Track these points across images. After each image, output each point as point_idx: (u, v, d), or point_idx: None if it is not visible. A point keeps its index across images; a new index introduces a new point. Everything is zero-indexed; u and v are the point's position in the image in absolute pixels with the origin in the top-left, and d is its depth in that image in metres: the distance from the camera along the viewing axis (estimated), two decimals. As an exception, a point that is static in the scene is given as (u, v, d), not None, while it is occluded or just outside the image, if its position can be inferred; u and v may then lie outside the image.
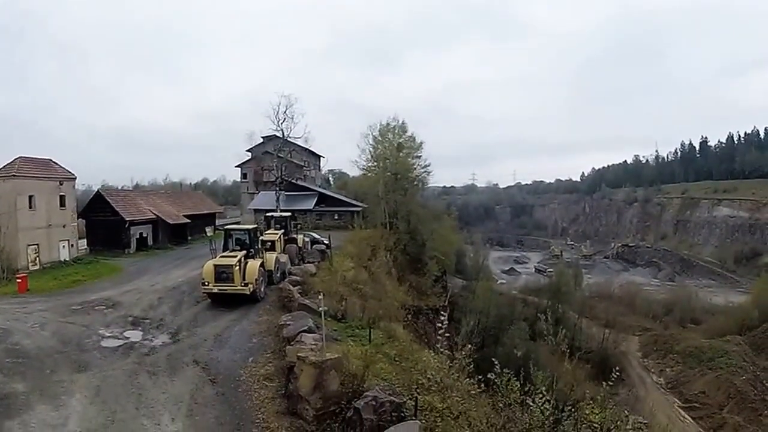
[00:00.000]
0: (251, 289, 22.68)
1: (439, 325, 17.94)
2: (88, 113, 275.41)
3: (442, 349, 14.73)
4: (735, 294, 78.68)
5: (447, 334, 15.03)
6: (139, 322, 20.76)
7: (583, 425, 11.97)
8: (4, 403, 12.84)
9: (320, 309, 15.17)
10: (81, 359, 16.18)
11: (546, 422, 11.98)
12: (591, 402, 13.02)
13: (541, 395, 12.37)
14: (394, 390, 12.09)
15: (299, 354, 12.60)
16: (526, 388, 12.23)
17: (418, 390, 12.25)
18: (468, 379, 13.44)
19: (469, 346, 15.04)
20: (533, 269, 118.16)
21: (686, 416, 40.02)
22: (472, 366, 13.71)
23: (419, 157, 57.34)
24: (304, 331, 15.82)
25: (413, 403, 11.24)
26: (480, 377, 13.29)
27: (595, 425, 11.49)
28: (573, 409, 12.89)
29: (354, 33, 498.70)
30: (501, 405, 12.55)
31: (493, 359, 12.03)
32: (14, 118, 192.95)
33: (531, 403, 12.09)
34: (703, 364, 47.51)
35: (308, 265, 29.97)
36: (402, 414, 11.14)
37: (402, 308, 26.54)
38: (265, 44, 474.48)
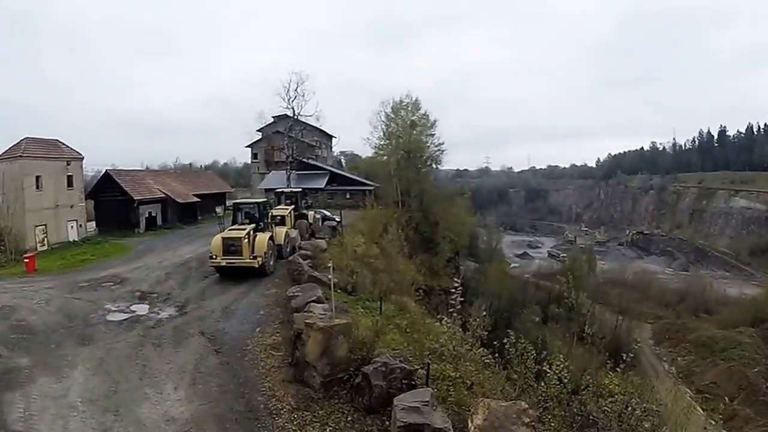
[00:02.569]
0: (260, 263, 22.54)
1: (452, 302, 17.54)
2: (98, 98, 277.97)
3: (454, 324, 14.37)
4: (749, 286, 77.35)
5: (460, 316, 14.56)
6: (146, 296, 20.77)
7: (604, 395, 11.64)
8: (7, 377, 12.82)
9: (329, 279, 14.86)
10: (86, 333, 16.12)
11: (564, 390, 11.65)
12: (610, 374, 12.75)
13: (559, 362, 12.04)
14: (405, 357, 11.75)
15: (307, 321, 12.30)
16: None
17: (430, 357, 11.91)
18: (482, 349, 13.16)
19: (484, 314, 14.70)
20: (546, 254, 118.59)
21: (698, 408, 40.00)
22: (486, 336, 13.42)
23: (433, 135, 56.84)
24: (313, 301, 15.51)
25: (425, 371, 10.87)
26: (493, 350, 13.04)
27: (617, 395, 11.16)
28: (591, 379, 12.60)
29: (367, 14, 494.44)
30: (515, 375, 12.31)
31: (508, 330, 12.31)
32: (24, 104, 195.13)
33: (548, 371, 11.77)
34: (715, 354, 47.52)
35: (319, 240, 29.72)
36: (413, 382, 10.80)
37: (413, 285, 26.18)
38: (275, 27, 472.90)
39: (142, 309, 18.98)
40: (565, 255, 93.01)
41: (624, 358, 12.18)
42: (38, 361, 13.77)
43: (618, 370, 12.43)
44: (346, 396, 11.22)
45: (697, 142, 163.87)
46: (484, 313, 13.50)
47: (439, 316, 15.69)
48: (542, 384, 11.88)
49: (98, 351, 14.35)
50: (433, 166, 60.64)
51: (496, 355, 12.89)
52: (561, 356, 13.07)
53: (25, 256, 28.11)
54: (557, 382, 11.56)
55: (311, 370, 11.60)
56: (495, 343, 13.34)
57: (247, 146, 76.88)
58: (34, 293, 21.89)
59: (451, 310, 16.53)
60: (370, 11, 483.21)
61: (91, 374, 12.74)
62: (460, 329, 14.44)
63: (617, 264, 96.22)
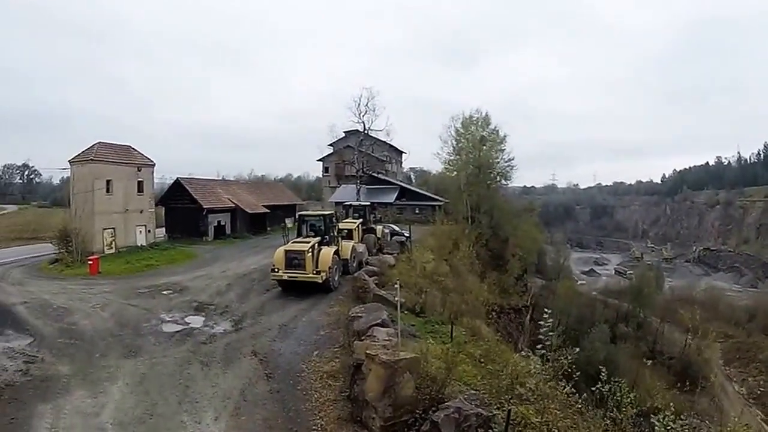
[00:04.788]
0: (323, 278, 21.41)
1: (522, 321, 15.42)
2: (177, 111, 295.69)
3: (526, 348, 12.35)
4: (822, 303, 72.75)
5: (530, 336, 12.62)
6: (204, 307, 20.13)
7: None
8: (44, 385, 12.40)
9: (396, 300, 13.27)
10: (134, 344, 15.52)
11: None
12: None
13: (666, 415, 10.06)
14: (481, 399, 10.00)
15: (368, 351, 10.72)
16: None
17: (509, 399, 10.01)
18: (567, 387, 11.17)
19: (571, 348, 12.71)
20: (613, 271, 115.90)
21: None
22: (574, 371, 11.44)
23: (502, 150, 55.45)
24: (378, 324, 13.99)
25: (504, 417, 9.11)
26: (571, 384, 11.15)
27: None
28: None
29: (433, 32, 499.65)
30: (609, 422, 10.69)
31: (601, 367, 11.03)
32: (103, 114, 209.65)
33: (657, 423, 9.77)
34: (788, 374, 44.69)
35: (386, 256, 28.66)
36: (491, 428, 9.14)
37: (485, 305, 24.34)
38: (345, 45, 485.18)
39: (196, 321, 18.25)
40: (631, 272, 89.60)
41: (693, 378, 10.00)
42: (79, 371, 13.25)
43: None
44: (411, 444, 9.51)
45: (762, 155, 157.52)
46: (551, 338, 11.34)
47: (511, 342, 13.70)
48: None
49: (142, 365, 13.53)
50: (503, 182, 59.24)
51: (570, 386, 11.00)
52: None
53: (89, 258, 28.59)
54: None
55: (370, 410, 9.96)
56: (572, 370, 11.44)
57: (319, 160, 77.83)
58: (91, 296, 21.98)
59: (523, 330, 14.61)
60: (437, 28, 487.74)
61: (129, 392, 11.86)
62: (529, 349, 12.52)
63: (684, 281, 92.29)
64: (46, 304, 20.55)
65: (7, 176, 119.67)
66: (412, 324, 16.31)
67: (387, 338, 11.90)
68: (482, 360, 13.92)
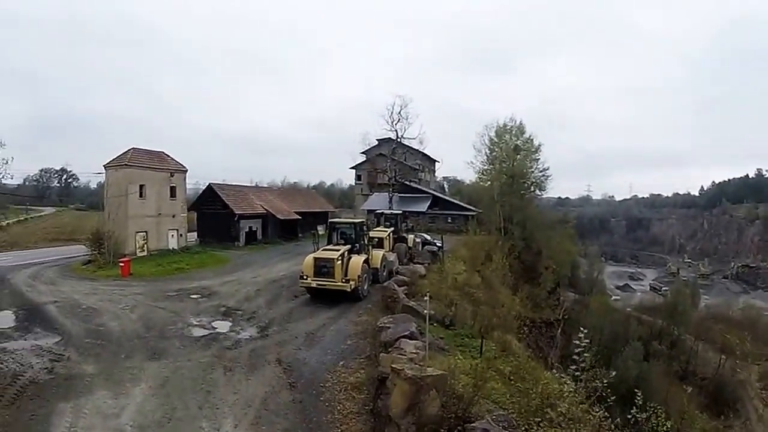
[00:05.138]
0: (353, 286, 21.19)
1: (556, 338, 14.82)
2: (212, 118, 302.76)
3: (557, 364, 11.72)
4: None
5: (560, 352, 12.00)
6: (231, 312, 20.04)
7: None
8: (67, 383, 12.46)
9: (425, 312, 12.84)
10: (159, 346, 15.45)
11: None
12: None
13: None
14: (510, 421, 9.48)
15: (394, 365, 10.30)
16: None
17: (539, 422, 9.45)
18: (601, 411, 10.53)
19: (605, 369, 12.04)
20: (648, 287, 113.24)
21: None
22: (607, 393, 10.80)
23: (537, 160, 54.83)
24: (406, 336, 13.58)
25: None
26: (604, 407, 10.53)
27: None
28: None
29: (465, 41, 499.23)
30: None
31: (636, 391, 10.62)
32: (140, 122, 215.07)
33: None
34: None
35: (417, 265, 28.38)
36: None
37: (517, 319, 23.65)
38: (378, 53, 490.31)
39: (223, 326, 18.13)
40: (667, 288, 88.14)
41: (727, 401, 9.24)
42: (103, 371, 13.26)
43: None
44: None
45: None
46: (582, 355, 10.69)
47: (541, 357, 13.11)
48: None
49: (165, 368, 13.42)
50: (537, 192, 58.37)
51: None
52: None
53: (120, 260, 28.98)
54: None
55: (393, 427, 9.50)
56: (606, 393, 10.82)
57: (352, 168, 78.01)
58: (121, 297, 22.20)
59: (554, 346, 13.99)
60: (470, 36, 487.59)
61: (150, 394, 11.73)
62: (559, 365, 11.88)
63: (721, 299, 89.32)
64: (76, 304, 20.86)
65: (45, 180, 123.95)
66: (441, 337, 15.80)
67: (414, 351, 11.48)
68: (512, 377, 13.36)
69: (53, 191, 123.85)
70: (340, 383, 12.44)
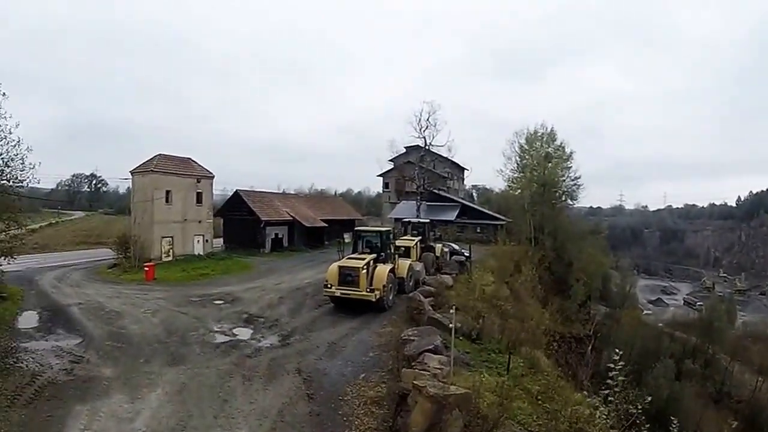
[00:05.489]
0: (377, 296, 20.83)
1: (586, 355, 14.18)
2: (242, 126, 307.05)
3: (587, 383, 11.15)
4: None
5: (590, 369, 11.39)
6: (253, 320, 19.94)
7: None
8: (84, 386, 12.46)
9: (451, 326, 12.42)
10: (179, 352, 15.38)
11: None
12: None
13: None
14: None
15: (416, 381, 9.91)
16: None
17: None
18: None
19: (638, 391, 11.39)
20: (682, 301, 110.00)
21: None
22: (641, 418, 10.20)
23: (569, 168, 54.06)
24: (430, 350, 13.17)
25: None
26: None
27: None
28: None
29: (493, 47, 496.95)
30: None
31: (672, 418, 10.61)
32: (169, 130, 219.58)
33: None
34: None
35: (445, 276, 27.81)
36: None
37: (546, 334, 22.94)
38: (405, 61, 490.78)
39: (244, 333, 18.00)
40: (701, 303, 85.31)
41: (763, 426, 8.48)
42: (121, 375, 13.23)
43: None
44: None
45: None
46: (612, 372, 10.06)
47: (570, 374, 12.54)
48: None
49: (183, 374, 13.30)
50: (569, 201, 57.64)
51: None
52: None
53: (145, 264, 29.25)
54: None
55: (412, 447, 9.12)
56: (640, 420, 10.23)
57: (379, 175, 77.98)
58: (144, 302, 22.33)
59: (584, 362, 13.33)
60: (499, 45, 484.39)
61: (166, 400, 11.59)
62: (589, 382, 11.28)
63: (759, 316, 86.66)
64: (99, 307, 21.08)
65: (76, 185, 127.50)
66: (467, 351, 15.33)
67: (438, 366, 11.09)
68: (540, 397, 12.81)
69: (83, 196, 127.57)
70: (360, 397, 12.04)
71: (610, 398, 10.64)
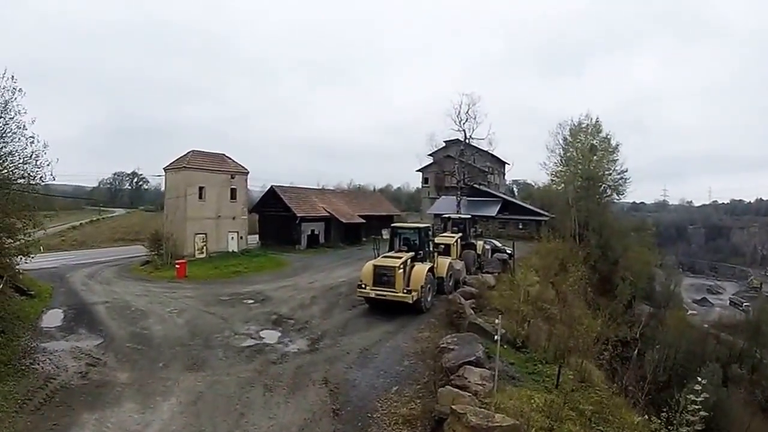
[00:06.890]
0: (414, 298, 19.67)
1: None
2: (280, 124, 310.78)
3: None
4: None
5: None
6: (282, 321, 19.21)
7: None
8: (97, 391, 12.02)
9: (496, 337, 11.27)
10: (200, 356, 14.79)
11: None
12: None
13: None
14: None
15: (455, 405, 8.84)
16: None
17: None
18: None
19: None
20: (728, 301, 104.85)
21: None
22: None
23: (615, 161, 51.93)
24: (471, 362, 12.06)
25: None
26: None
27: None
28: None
29: (533, 41, 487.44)
30: None
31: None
32: (211, 129, 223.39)
33: None
34: None
35: (487, 275, 26.77)
36: None
37: (597, 342, 21.41)
38: (446, 56, 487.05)
39: (271, 336, 17.28)
40: (748, 304, 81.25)
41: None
42: (137, 380, 12.76)
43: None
44: None
45: None
46: (656, 375, 8.97)
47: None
48: None
49: (202, 382, 12.65)
50: (615, 196, 55.63)
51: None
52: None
53: (177, 261, 29.07)
54: None
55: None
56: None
57: (418, 170, 76.65)
58: (171, 300, 22.07)
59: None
60: (541, 37, 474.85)
61: (179, 411, 10.92)
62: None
63: None
64: (125, 306, 20.89)
65: (117, 183, 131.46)
66: (512, 362, 14.10)
67: (480, 382, 10.02)
68: (593, 418, 11.51)
69: (125, 193, 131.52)
70: (391, 414, 10.98)
71: (672, 421, 9.55)
